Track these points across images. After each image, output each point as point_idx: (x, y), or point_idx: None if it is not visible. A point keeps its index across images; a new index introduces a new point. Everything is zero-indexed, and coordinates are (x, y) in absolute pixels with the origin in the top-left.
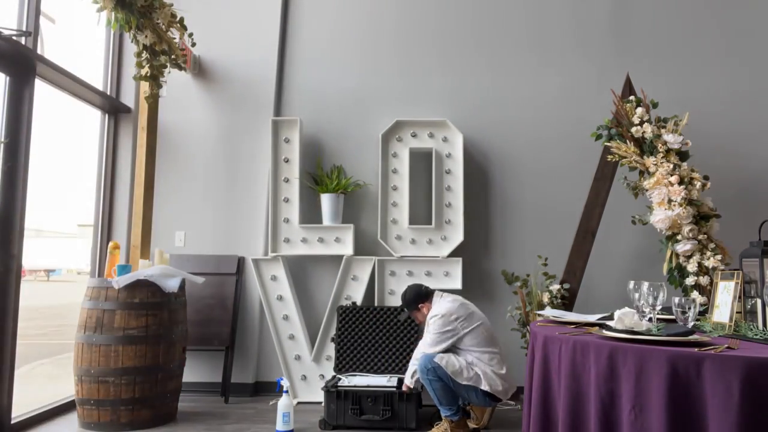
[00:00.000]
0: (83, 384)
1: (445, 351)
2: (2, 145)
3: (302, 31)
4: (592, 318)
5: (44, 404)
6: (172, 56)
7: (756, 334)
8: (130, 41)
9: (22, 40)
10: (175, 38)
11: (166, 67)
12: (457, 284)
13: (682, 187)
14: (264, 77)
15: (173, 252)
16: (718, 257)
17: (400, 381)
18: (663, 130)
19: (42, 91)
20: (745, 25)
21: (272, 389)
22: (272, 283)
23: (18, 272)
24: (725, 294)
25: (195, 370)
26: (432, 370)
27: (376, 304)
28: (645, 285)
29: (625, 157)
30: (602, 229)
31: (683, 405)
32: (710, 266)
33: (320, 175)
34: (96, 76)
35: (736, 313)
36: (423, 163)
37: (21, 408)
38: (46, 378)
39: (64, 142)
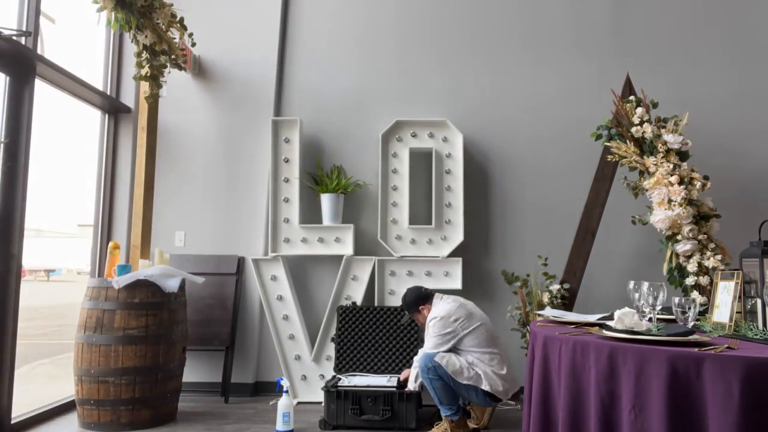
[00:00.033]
0: (83, 384)
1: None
2: (2, 145)
3: (302, 31)
4: (592, 318)
5: (44, 404)
6: (172, 56)
7: (756, 334)
8: (130, 41)
9: (22, 40)
10: (175, 38)
11: (166, 67)
12: (457, 284)
13: (682, 187)
14: (264, 77)
15: (173, 252)
16: (718, 257)
17: (400, 381)
18: (663, 130)
19: (42, 91)
20: (745, 25)
21: (272, 389)
22: (272, 283)
23: (18, 272)
24: (725, 294)
25: (195, 370)
26: (432, 369)
27: (376, 304)
28: (645, 285)
29: (625, 157)
30: (602, 229)
31: (683, 405)
32: (710, 266)
33: (320, 175)
34: (96, 76)
35: (736, 313)
36: (423, 163)
37: (21, 408)
38: (46, 378)
39: (64, 142)
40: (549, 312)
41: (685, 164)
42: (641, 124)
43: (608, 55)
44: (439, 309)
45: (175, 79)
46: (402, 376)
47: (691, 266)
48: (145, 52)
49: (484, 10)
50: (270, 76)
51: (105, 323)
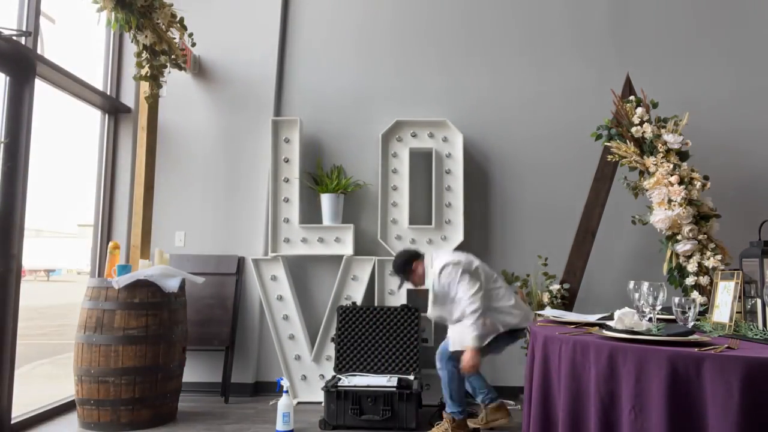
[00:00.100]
0: (83, 384)
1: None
2: (2, 145)
3: (302, 31)
4: (592, 318)
5: (44, 404)
6: (172, 56)
7: (756, 334)
8: (130, 41)
9: (22, 40)
10: (175, 38)
11: (166, 67)
12: None
13: (682, 187)
14: (264, 77)
15: (173, 252)
16: (718, 257)
17: (400, 381)
18: (663, 130)
19: (42, 91)
20: (745, 25)
21: (272, 389)
22: (272, 283)
23: (18, 272)
24: (725, 294)
25: (195, 370)
26: (454, 358)
27: (376, 304)
28: (645, 285)
29: (625, 157)
30: (602, 229)
31: (683, 405)
32: (710, 266)
33: (320, 175)
34: (96, 76)
35: (736, 313)
36: (423, 163)
37: (21, 408)
38: (46, 378)
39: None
40: (549, 312)
41: (685, 164)
42: (641, 124)
43: (608, 55)
44: (442, 259)
45: (175, 79)
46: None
47: (691, 266)
48: (145, 52)
49: (485, 9)
50: (270, 76)
51: (105, 323)
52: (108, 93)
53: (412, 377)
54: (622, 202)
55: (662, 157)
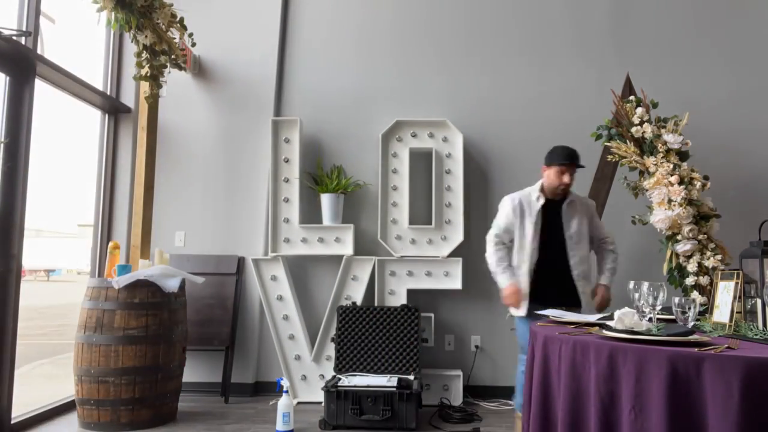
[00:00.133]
0: (83, 384)
1: None
2: (2, 145)
3: (302, 31)
4: (592, 318)
5: (44, 404)
6: (172, 56)
7: (756, 334)
8: (130, 41)
9: (22, 40)
10: (175, 38)
11: (166, 67)
12: (457, 284)
13: (682, 187)
14: (264, 77)
15: (173, 252)
16: (718, 257)
17: (400, 381)
18: (663, 130)
19: (42, 91)
20: (745, 25)
21: (272, 389)
22: (272, 283)
23: (18, 272)
24: (725, 294)
25: (195, 370)
26: None
27: (376, 304)
28: (645, 285)
29: (625, 157)
30: None
31: (683, 405)
32: (710, 266)
33: (320, 175)
34: (96, 76)
35: (736, 313)
36: (423, 163)
37: (21, 408)
38: (46, 378)
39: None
40: (549, 312)
41: (685, 164)
42: (641, 124)
43: (608, 55)
44: None
45: (175, 79)
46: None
47: (691, 266)
48: (145, 52)
49: (485, 10)
50: (270, 76)
51: (105, 323)
52: (108, 93)
53: (412, 377)
54: (622, 202)
55: (662, 157)
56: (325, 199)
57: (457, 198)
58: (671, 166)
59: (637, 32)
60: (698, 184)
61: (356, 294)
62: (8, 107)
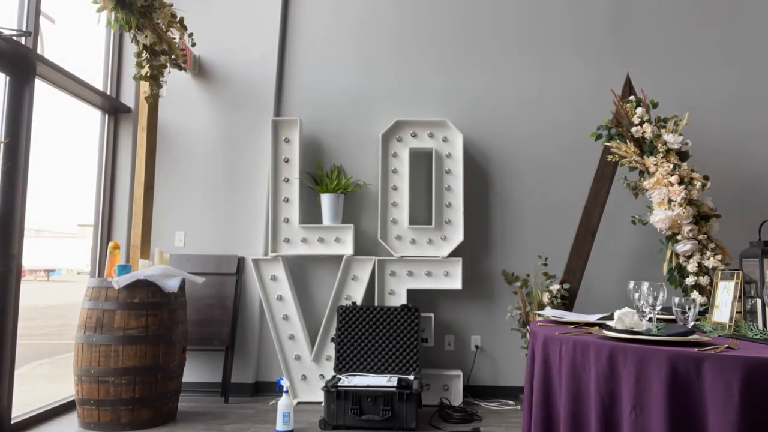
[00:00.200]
0: (83, 384)
1: None
2: (2, 145)
3: (302, 31)
4: (592, 318)
5: (44, 404)
6: (172, 56)
7: (756, 334)
8: (130, 41)
9: (22, 40)
10: (175, 38)
11: (166, 67)
12: (457, 284)
13: (682, 187)
14: (264, 77)
15: (173, 252)
16: (718, 257)
17: (400, 381)
18: (663, 130)
19: (42, 91)
20: (745, 25)
21: (272, 389)
22: (272, 283)
23: (18, 272)
24: (725, 294)
25: (195, 370)
26: None
27: (376, 304)
28: (645, 285)
29: (625, 157)
30: (602, 229)
31: (683, 405)
32: (710, 266)
33: (320, 175)
34: (96, 76)
35: (736, 313)
36: (423, 163)
37: (21, 408)
38: (46, 378)
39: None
40: (549, 312)
41: (685, 164)
42: (641, 124)
43: (608, 55)
44: None
45: (175, 79)
46: None
47: (691, 266)
48: (145, 52)
49: (484, 10)
50: (270, 76)
51: (105, 323)
52: (108, 93)
53: (412, 377)
54: (622, 202)
55: (662, 157)
56: (325, 199)
57: (457, 198)
58: (671, 166)
59: (637, 32)
60: (698, 184)
61: (356, 294)
62: (8, 107)
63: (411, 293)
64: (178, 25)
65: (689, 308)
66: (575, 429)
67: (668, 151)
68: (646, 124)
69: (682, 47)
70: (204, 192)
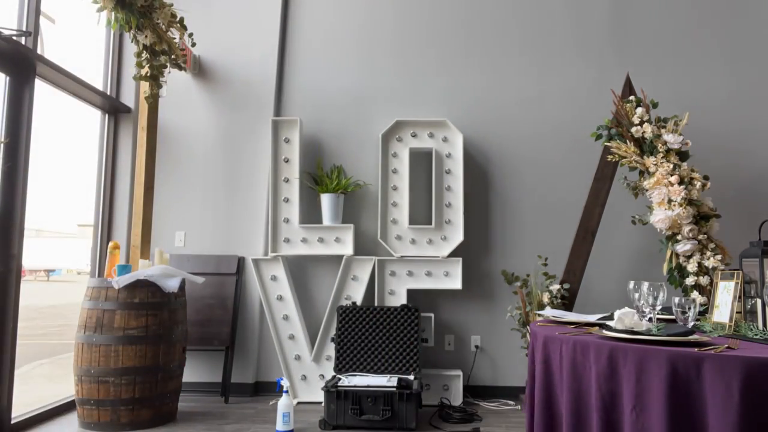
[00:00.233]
0: (83, 384)
1: None
2: (2, 145)
3: (302, 31)
4: (592, 318)
5: (44, 404)
6: (172, 56)
7: (756, 334)
8: (130, 41)
9: (22, 40)
10: (175, 38)
11: (166, 67)
12: (457, 284)
13: (682, 187)
14: (264, 77)
15: (173, 252)
16: (718, 257)
17: (400, 381)
18: (663, 130)
19: (42, 91)
20: (745, 25)
21: (272, 389)
22: (272, 283)
23: (18, 272)
24: (725, 294)
25: (195, 370)
26: None
27: (376, 304)
28: (645, 285)
29: (625, 157)
30: (602, 229)
31: (683, 405)
32: (710, 266)
33: (320, 175)
34: (96, 76)
35: (736, 313)
36: (423, 163)
37: (21, 408)
38: (46, 378)
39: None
40: (549, 312)
41: (685, 164)
42: (641, 124)
43: (608, 55)
44: None
45: (175, 79)
46: None
47: (691, 266)
48: (145, 52)
49: (485, 10)
50: (270, 76)
51: (105, 323)
52: (108, 93)
53: (412, 377)
54: (622, 202)
55: (662, 157)
56: (325, 199)
57: (457, 198)
58: (671, 166)
59: (637, 32)
60: (698, 184)
61: (356, 294)
62: (8, 107)
63: (411, 293)
64: (178, 25)
65: (689, 308)
66: (577, 428)
67: (668, 151)
68: (646, 124)
69: (682, 47)
70: (204, 192)
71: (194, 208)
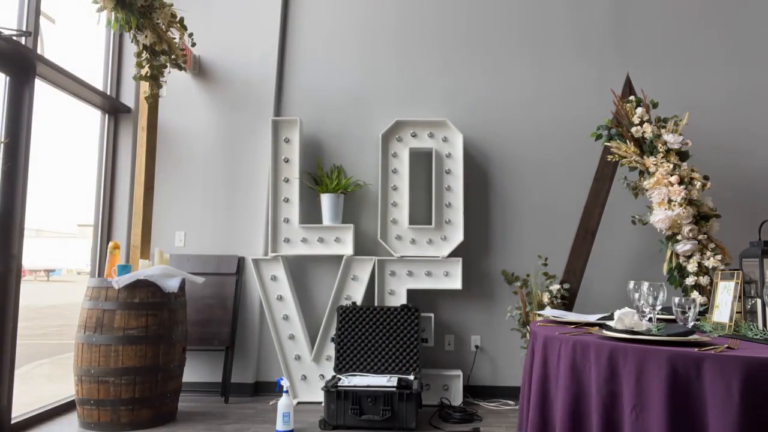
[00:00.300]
0: (83, 384)
1: None
2: (2, 145)
3: (302, 31)
4: (592, 318)
5: (44, 404)
6: (172, 56)
7: (756, 334)
8: (130, 41)
9: (22, 40)
10: (175, 38)
11: (166, 67)
12: (457, 284)
13: (682, 187)
14: (264, 77)
15: (173, 252)
16: (718, 257)
17: (400, 381)
18: (663, 130)
19: (42, 91)
20: (745, 25)
21: (272, 389)
22: (272, 283)
23: (18, 272)
24: (725, 294)
25: (195, 370)
26: None
27: (376, 304)
28: (645, 285)
29: (625, 157)
30: (602, 229)
31: (683, 405)
32: (710, 266)
33: (320, 175)
34: (96, 76)
35: (736, 313)
36: (423, 163)
37: (21, 408)
38: (46, 378)
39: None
40: (549, 312)
41: (685, 164)
42: (641, 124)
43: (608, 55)
44: None
45: (175, 79)
46: None
47: (691, 266)
48: (145, 52)
49: (485, 10)
50: (270, 76)
51: (105, 323)
52: (108, 93)
53: (412, 377)
54: (622, 202)
55: (662, 157)
56: (325, 199)
57: (457, 198)
58: (671, 166)
59: (637, 32)
60: (698, 184)
61: (356, 294)
62: (8, 107)
63: (411, 293)
64: (178, 25)
65: (689, 308)
66: (575, 429)
67: (668, 151)
68: (646, 124)
69: (682, 47)
70: (204, 192)
71: (194, 208)
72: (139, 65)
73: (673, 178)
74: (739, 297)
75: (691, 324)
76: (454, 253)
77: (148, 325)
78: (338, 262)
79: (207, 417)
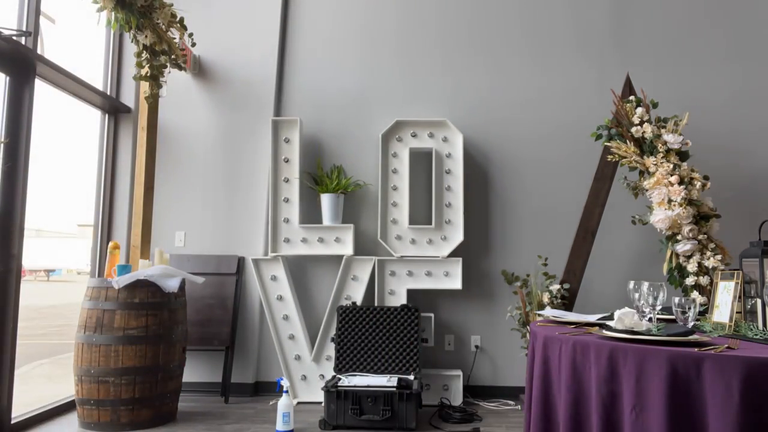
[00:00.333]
0: (83, 384)
1: None
2: (2, 145)
3: (302, 31)
4: (592, 318)
5: (44, 404)
6: (172, 56)
7: (756, 334)
8: (130, 41)
9: (22, 40)
10: (175, 38)
11: (166, 67)
12: (457, 284)
13: (682, 187)
14: (264, 77)
15: (173, 252)
16: (718, 257)
17: (400, 381)
18: (663, 130)
19: (42, 91)
20: (745, 24)
21: (272, 389)
22: (272, 283)
23: (18, 272)
24: (725, 294)
25: (195, 370)
26: None
27: (376, 304)
28: (645, 285)
29: (625, 157)
30: (602, 229)
31: (683, 405)
32: (710, 266)
33: (320, 175)
34: (96, 76)
35: (736, 313)
36: (423, 163)
37: (21, 408)
38: (46, 378)
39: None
40: (549, 312)
41: (685, 164)
42: (641, 124)
43: (608, 55)
44: None
45: (175, 79)
46: None
47: (691, 266)
48: (145, 52)
49: (485, 10)
50: (270, 76)
51: (105, 323)
52: (108, 93)
53: (412, 377)
54: (622, 202)
55: (662, 157)
56: (325, 199)
57: (457, 198)
58: (671, 166)
59: (638, 32)
60: (698, 184)
61: (356, 294)
62: (8, 107)
63: (411, 293)
64: (178, 25)
65: (689, 308)
66: (576, 429)
67: (668, 151)
68: (646, 124)
69: (682, 47)
70: (204, 192)
71: (194, 208)
72: (139, 65)
73: (673, 178)
74: (739, 297)
75: (691, 324)
76: (454, 253)
77: (148, 325)
78: (338, 262)
79: (207, 417)
